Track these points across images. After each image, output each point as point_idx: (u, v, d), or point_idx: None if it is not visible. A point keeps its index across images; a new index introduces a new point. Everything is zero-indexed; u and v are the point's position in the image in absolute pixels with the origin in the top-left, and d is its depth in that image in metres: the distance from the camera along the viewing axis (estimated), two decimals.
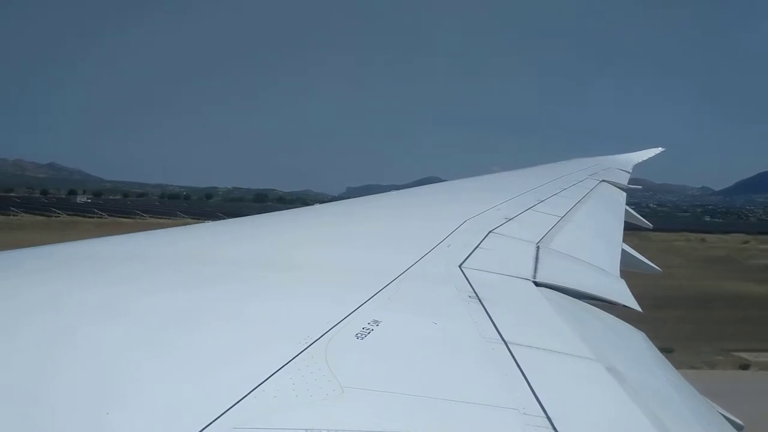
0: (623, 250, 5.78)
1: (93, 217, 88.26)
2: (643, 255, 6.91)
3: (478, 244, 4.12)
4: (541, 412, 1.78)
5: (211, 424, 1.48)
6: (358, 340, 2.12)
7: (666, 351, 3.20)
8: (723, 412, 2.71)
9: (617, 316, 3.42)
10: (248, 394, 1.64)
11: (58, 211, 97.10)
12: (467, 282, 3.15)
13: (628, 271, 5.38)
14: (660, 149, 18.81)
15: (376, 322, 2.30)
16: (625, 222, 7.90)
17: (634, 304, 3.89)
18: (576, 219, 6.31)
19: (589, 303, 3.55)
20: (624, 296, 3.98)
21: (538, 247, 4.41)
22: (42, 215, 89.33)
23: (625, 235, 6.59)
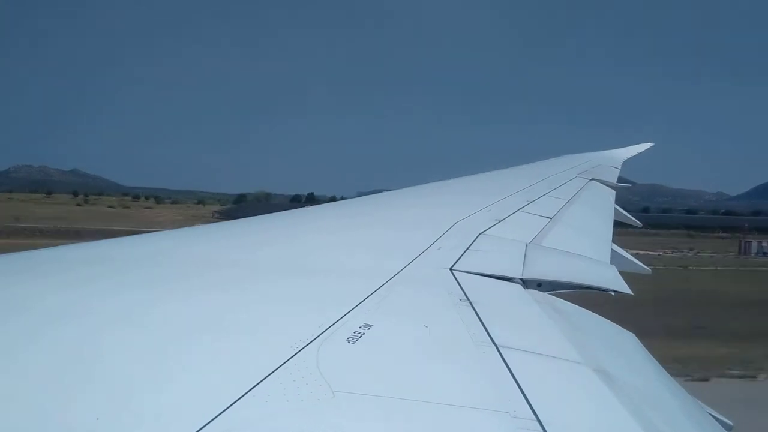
0: (612, 250, 5.82)
1: None
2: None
3: (469, 246, 4.13)
4: (533, 415, 1.78)
5: (202, 429, 1.48)
6: (350, 344, 2.12)
7: None
8: (712, 413, 2.73)
9: (608, 316, 3.44)
10: (239, 399, 1.64)
11: None
12: (458, 285, 3.16)
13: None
14: (649, 144, 18.54)
15: (368, 326, 2.30)
16: (615, 221, 7.94)
17: (625, 289, 3.92)
18: (565, 220, 6.34)
19: (581, 296, 3.57)
20: (615, 282, 4.01)
21: (527, 248, 4.43)
22: None
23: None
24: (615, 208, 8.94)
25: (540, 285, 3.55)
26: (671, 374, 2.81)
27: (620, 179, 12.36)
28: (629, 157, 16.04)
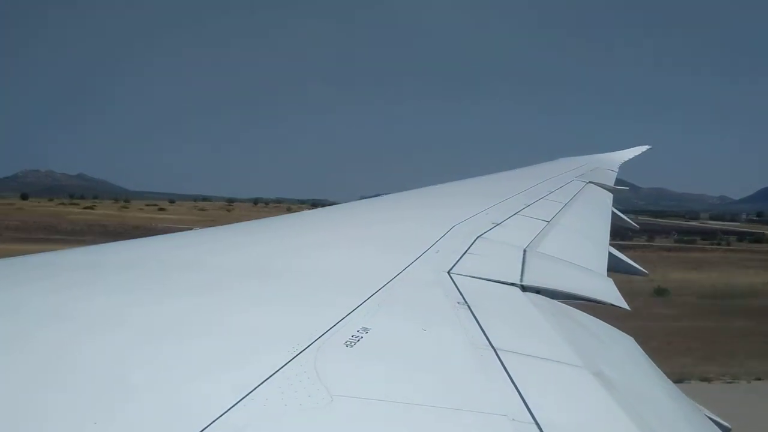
0: (610, 253, 5.83)
1: None
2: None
3: (467, 250, 4.12)
4: (531, 419, 1.78)
5: None
6: (348, 347, 2.12)
7: None
8: (711, 415, 2.73)
9: (606, 318, 3.44)
10: (237, 403, 1.63)
11: None
12: (456, 288, 3.15)
13: (615, 274, 5.42)
14: (646, 147, 18.51)
15: (366, 330, 2.29)
16: (612, 224, 7.96)
17: (622, 303, 3.92)
18: (563, 223, 6.34)
19: (578, 303, 3.57)
20: (612, 295, 4.01)
21: (525, 252, 4.43)
22: None
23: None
24: (612, 211, 8.95)
25: (539, 291, 3.55)
26: None
27: (625, 183, 12.37)
28: (626, 160, 16.06)
